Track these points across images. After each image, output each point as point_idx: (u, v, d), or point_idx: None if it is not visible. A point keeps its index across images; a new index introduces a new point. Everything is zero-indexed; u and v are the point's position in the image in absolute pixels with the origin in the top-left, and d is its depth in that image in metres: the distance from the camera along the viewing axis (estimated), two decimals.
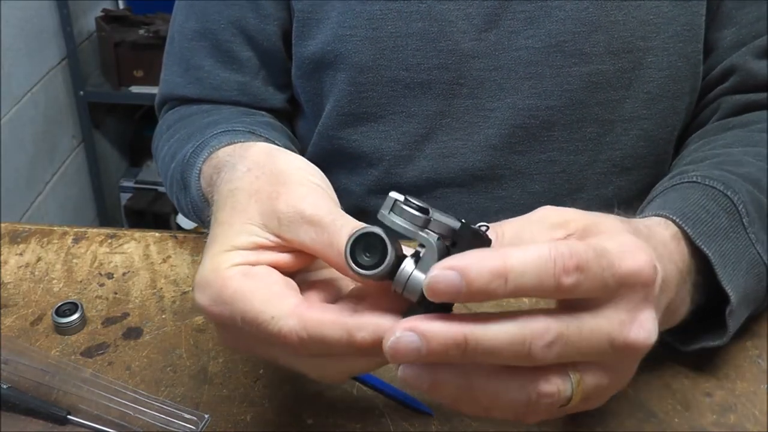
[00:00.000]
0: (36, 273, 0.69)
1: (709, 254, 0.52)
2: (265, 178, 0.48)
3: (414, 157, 0.77)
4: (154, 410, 0.54)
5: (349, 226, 0.43)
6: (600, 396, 0.43)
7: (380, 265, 0.39)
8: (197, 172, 0.64)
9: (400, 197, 0.40)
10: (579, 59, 0.72)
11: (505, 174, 0.76)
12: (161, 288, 0.67)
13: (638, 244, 0.42)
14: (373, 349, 0.40)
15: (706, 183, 0.58)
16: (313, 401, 0.55)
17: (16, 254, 0.71)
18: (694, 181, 0.59)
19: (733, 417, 0.54)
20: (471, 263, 0.37)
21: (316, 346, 0.41)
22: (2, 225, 0.75)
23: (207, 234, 0.72)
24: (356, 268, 0.40)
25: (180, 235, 0.73)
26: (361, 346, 0.40)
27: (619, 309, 0.40)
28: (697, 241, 0.52)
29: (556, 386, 0.39)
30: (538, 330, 0.38)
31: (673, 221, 0.53)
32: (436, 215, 0.40)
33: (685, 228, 0.53)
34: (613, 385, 0.42)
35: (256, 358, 0.59)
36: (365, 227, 0.40)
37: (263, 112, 0.82)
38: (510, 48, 0.72)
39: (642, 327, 0.41)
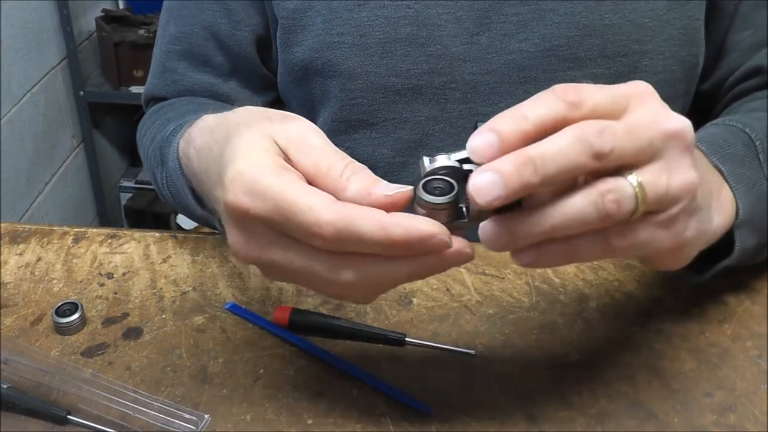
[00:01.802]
0: (36, 273, 0.69)
1: (723, 169, 0.55)
2: (274, 113, 0.50)
3: (408, 164, 0.77)
4: (154, 410, 0.54)
5: (347, 159, 0.46)
6: (671, 202, 0.44)
7: (450, 193, 0.44)
8: (177, 141, 0.65)
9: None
10: (573, 63, 0.71)
11: None
12: (161, 288, 0.67)
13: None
14: (403, 250, 0.42)
15: (727, 123, 0.62)
16: (313, 401, 0.55)
17: (16, 254, 0.71)
18: (715, 123, 0.63)
19: (733, 417, 0.54)
20: (495, 120, 0.43)
21: (349, 241, 0.42)
22: (2, 225, 0.75)
23: (207, 235, 0.73)
24: (430, 198, 0.44)
25: (180, 235, 0.73)
26: (394, 243, 0.42)
27: (649, 108, 0.44)
28: (712, 157, 0.54)
29: (613, 183, 0.42)
30: (584, 126, 0.42)
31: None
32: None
33: (701, 147, 0.55)
34: (677, 183, 0.44)
35: (256, 359, 0.59)
36: (429, 174, 0.45)
37: None
38: (502, 51, 0.72)
39: (673, 115, 0.45)
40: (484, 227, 0.43)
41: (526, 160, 0.41)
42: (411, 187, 0.44)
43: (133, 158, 2.48)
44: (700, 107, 0.80)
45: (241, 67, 0.81)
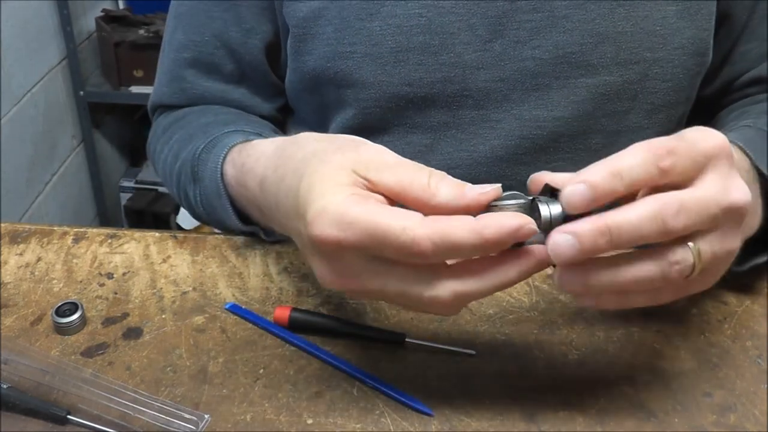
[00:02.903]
0: (36, 273, 0.69)
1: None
2: (343, 140, 0.52)
3: None
4: (154, 410, 0.54)
5: (427, 168, 0.48)
6: (714, 265, 0.48)
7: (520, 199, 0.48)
8: (219, 162, 0.66)
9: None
10: (586, 70, 0.71)
11: (512, 185, 0.75)
12: (161, 288, 0.67)
13: (708, 129, 0.49)
14: (498, 247, 0.45)
15: (758, 127, 0.67)
16: (313, 401, 0.55)
17: (16, 254, 0.71)
18: (747, 125, 0.66)
19: (733, 417, 0.54)
20: (590, 176, 0.44)
21: (447, 252, 0.45)
22: (2, 225, 0.75)
23: (207, 235, 0.73)
24: (504, 202, 0.47)
25: (180, 235, 0.73)
26: (489, 243, 0.44)
27: (716, 179, 0.47)
28: (757, 163, 0.57)
29: (681, 254, 0.46)
30: (666, 202, 0.44)
31: (739, 147, 0.59)
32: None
33: (748, 152, 0.58)
34: (723, 251, 0.48)
35: (256, 359, 0.59)
36: (506, 201, 0.48)
37: (254, 116, 0.83)
38: (516, 58, 0.72)
39: (739, 189, 0.47)
40: (561, 276, 0.46)
41: (603, 230, 0.44)
42: (499, 185, 0.47)
43: (133, 158, 2.48)
44: (701, 112, 0.81)
45: (251, 74, 0.81)
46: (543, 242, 0.47)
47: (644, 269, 0.45)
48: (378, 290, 0.48)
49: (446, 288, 0.47)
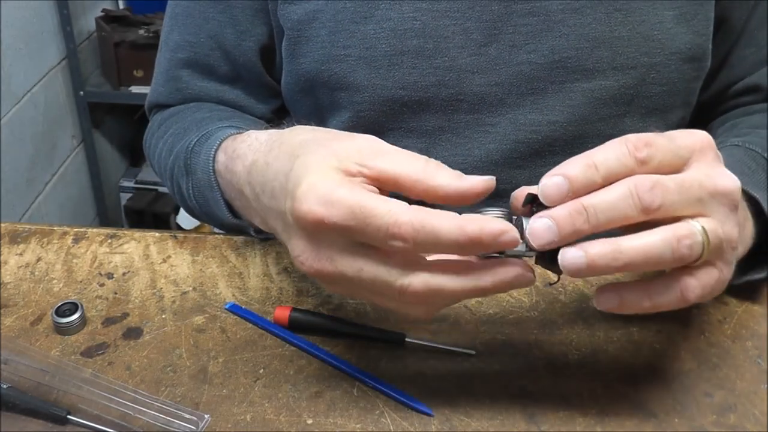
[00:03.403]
0: (36, 273, 0.69)
1: (757, 196, 0.57)
2: (337, 132, 0.52)
3: None
4: (154, 410, 0.54)
5: (424, 156, 0.48)
6: (723, 250, 0.47)
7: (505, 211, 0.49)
8: (212, 152, 0.66)
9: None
10: (582, 75, 0.71)
11: (507, 189, 0.76)
12: (161, 288, 0.67)
13: (691, 129, 0.49)
14: (477, 246, 0.45)
15: (746, 146, 0.66)
16: (313, 401, 0.55)
17: (16, 254, 0.71)
18: (735, 145, 0.66)
19: (733, 417, 0.54)
20: (566, 169, 0.45)
21: (427, 240, 0.45)
22: (2, 225, 0.75)
23: (207, 235, 0.73)
24: (489, 209, 0.48)
25: (180, 235, 0.73)
26: (470, 240, 0.44)
27: (700, 167, 0.47)
28: (745, 187, 0.56)
29: (686, 229, 0.45)
30: (637, 181, 0.45)
31: None
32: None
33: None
34: (726, 235, 0.47)
35: (256, 359, 0.59)
36: (491, 210, 0.49)
37: (249, 116, 0.83)
38: (511, 62, 0.72)
39: (725, 174, 0.48)
40: (566, 253, 0.45)
41: (580, 209, 0.45)
42: (493, 177, 0.48)
43: (133, 158, 2.48)
44: (698, 117, 0.81)
45: (246, 76, 0.81)
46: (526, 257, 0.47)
47: (651, 244, 0.45)
48: (352, 275, 0.48)
49: (419, 278, 0.46)
